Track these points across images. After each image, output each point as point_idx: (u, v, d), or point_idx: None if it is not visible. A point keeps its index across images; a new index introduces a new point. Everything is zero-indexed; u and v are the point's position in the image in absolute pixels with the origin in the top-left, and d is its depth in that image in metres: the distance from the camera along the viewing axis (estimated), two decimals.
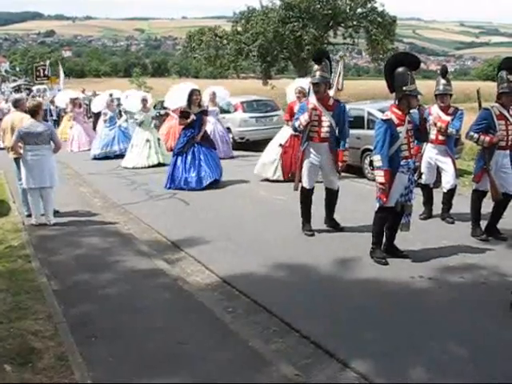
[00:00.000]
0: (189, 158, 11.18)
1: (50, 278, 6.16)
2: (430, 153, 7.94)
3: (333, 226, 7.73)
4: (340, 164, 7.39)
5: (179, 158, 11.23)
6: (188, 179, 11.03)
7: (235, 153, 15.37)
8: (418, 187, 7.79)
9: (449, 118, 7.75)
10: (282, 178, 11.36)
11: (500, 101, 6.91)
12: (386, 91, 6.49)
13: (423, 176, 7.93)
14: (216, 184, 11.15)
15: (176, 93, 14.97)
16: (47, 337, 4.70)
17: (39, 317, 5.09)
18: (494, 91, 7.12)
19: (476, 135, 6.93)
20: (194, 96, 11.32)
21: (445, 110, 7.83)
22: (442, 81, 7.84)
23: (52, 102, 25.35)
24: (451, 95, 7.99)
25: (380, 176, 6.16)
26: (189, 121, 11.12)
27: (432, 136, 7.76)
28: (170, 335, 4.75)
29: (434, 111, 7.86)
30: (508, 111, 6.92)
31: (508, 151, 6.96)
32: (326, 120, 7.30)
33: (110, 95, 17.94)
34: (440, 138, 7.83)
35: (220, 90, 15.74)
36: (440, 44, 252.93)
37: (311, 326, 4.88)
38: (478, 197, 7.24)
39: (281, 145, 11.47)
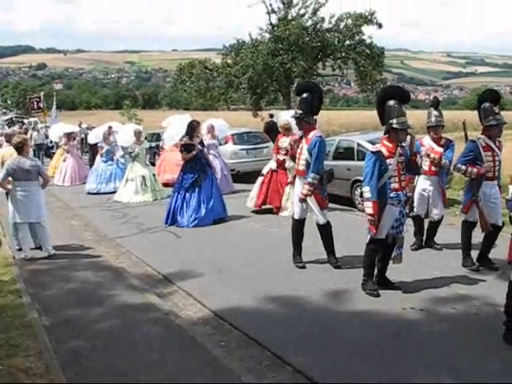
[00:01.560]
0: (202, 192, 10.80)
1: (41, 313, 6.11)
2: (424, 184, 7.96)
3: (330, 262, 7.59)
4: (300, 195, 7.36)
5: (190, 194, 10.81)
6: (198, 215, 10.67)
7: None
8: (409, 217, 7.86)
9: (441, 150, 7.83)
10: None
11: (487, 133, 6.98)
12: (376, 121, 6.57)
13: (415, 209, 8.00)
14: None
15: (174, 127, 14.89)
16: (38, 374, 4.65)
17: (30, 353, 5.03)
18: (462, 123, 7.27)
19: (463, 167, 7.01)
20: (198, 127, 11.15)
21: (437, 141, 7.90)
22: (435, 112, 7.90)
23: (47, 136, 25.41)
24: (443, 126, 8.08)
25: (368, 207, 6.21)
26: (195, 153, 10.81)
27: (425, 167, 7.85)
28: (162, 370, 4.71)
29: (426, 142, 7.91)
30: (494, 142, 7.02)
31: (496, 182, 7.05)
32: (304, 153, 7.39)
33: (110, 128, 17.92)
34: (433, 168, 7.89)
35: (219, 123, 15.54)
36: (428, 74, 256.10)
37: (304, 359, 4.87)
38: (467, 227, 7.30)
39: (262, 174, 11.64)
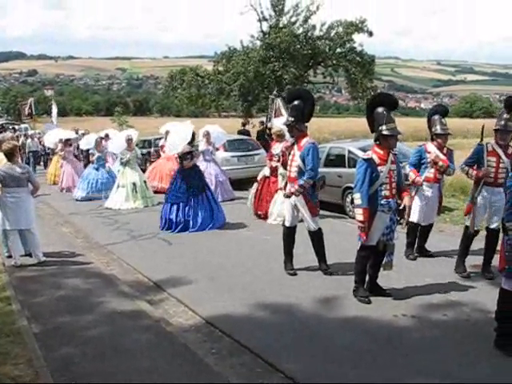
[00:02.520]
0: (209, 197, 10.91)
1: (31, 320, 6.06)
2: (427, 192, 7.93)
3: (321, 269, 7.59)
4: (287, 192, 7.43)
5: (197, 201, 10.79)
6: (211, 220, 10.76)
7: None
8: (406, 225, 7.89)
9: (445, 158, 7.87)
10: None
11: (495, 138, 7.03)
12: (367, 129, 6.60)
13: (414, 218, 7.93)
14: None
15: (177, 135, 14.76)
16: (27, 382, 4.61)
17: (19, 361, 4.98)
18: (469, 127, 7.27)
19: (466, 168, 7.14)
20: (195, 135, 11.24)
21: (441, 149, 7.93)
22: (442, 120, 7.91)
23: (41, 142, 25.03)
24: (449, 134, 8.09)
25: (359, 214, 6.22)
26: (196, 159, 10.87)
27: (430, 175, 7.87)
28: (153, 377, 4.69)
29: (432, 149, 7.90)
30: (506, 149, 6.99)
31: (501, 189, 6.95)
32: (296, 160, 7.40)
33: (106, 135, 17.75)
34: (438, 176, 7.93)
35: (216, 130, 15.42)
36: (418, 82, 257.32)
37: (296, 366, 4.86)
38: (468, 236, 7.29)
39: (257, 181, 11.74)
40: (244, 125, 22.22)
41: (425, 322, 5.74)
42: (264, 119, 21.27)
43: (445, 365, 4.79)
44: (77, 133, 25.18)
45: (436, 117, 7.97)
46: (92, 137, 18.29)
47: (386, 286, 6.64)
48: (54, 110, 31.63)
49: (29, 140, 25.61)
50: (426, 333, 5.50)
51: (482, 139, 7.22)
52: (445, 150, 7.97)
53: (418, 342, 5.28)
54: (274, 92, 24.39)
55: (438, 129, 7.89)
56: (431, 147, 7.95)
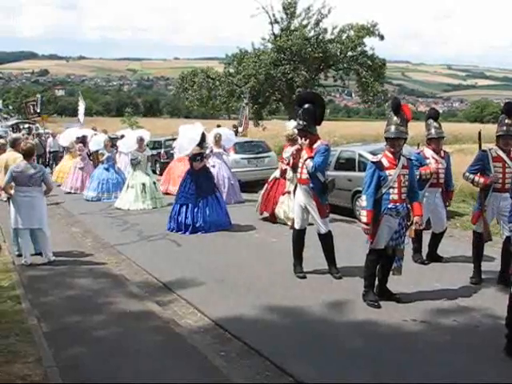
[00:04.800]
0: (213, 203, 10.95)
1: (41, 319, 6.09)
2: (432, 199, 7.91)
3: (331, 273, 7.59)
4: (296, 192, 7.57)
5: (207, 201, 10.88)
6: (208, 223, 10.77)
7: None
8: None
9: (443, 161, 7.88)
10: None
11: (498, 143, 7.00)
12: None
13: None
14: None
15: (185, 137, 14.78)
16: (36, 381, 4.62)
17: (29, 360, 5.00)
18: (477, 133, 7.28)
19: (471, 176, 7.09)
20: (205, 137, 11.34)
21: (438, 152, 7.92)
22: (434, 124, 7.91)
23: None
24: (443, 138, 8.08)
25: (363, 216, 6.25)
26: (206, 161, 11.02)
27: (433, 180, 7.84)
28: (161, 379, 4.69)
29: (429, 154, 7.89)
30: (509, 154, 6.96)
31: (507, 194, 6.92)
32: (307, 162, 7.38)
33: (122, 136, 17.74)
34: (441, 181, 7.93)
35: (226, 132, 15.44)
36: (428, 86, 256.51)
37: (305, 369, 4.85)
38: (475, 238, 7.23)
39: (267, 182, 11.79)
40: (235, 126, 22.89)
41: (434, 328, 5.72)
42: (236, 123, 23.79)
43: (454, 371, 4.76)
44: (95, 131, 24.07)
45: (430, 121, 8.00)
46: (101, 138, 18.17)
47: (395, 291, 6.61)
48: (82, 106, 30.42)
49: (50, 139, 24.86)
50: (436, 338, 5.47)
51: (480, 145, 7.23)
52: (442, 154, 7.96)
53: (427, 348, 5.24)
54: (245, 101, 25.22)
55: (432, 133, 7.91)
56: (429, 152, 7.94)
